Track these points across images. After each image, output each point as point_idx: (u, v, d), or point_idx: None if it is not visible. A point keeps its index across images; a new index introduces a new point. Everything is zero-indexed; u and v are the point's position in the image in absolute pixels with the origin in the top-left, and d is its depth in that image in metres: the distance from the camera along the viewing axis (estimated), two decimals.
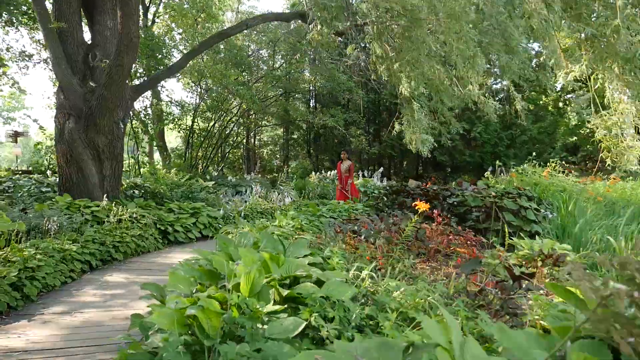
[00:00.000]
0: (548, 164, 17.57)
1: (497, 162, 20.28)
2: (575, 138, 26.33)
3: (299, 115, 15.55)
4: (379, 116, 21.81)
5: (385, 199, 9.52)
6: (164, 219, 7.35)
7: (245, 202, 10.73)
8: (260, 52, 17.55)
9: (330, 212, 8.13)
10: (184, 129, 15.76)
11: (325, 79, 15.72)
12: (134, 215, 6.70)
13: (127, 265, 5.56)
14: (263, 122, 21.10)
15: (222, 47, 14.77)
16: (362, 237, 4.80)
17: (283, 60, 17.15)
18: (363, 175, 15.68)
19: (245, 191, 12.31)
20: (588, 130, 25.09)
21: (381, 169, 15.61)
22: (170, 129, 16.03)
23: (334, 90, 17.01)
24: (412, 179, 20.31)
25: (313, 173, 17.01)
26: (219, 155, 17.68)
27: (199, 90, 14.19)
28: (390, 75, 8.66)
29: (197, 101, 15.08)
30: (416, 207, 4.66)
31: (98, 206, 6.86)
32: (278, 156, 25.56)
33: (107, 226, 6.16)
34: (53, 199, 7.15)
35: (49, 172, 11.24)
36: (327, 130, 19.25)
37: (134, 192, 9.21)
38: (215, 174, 14.25)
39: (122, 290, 4.37)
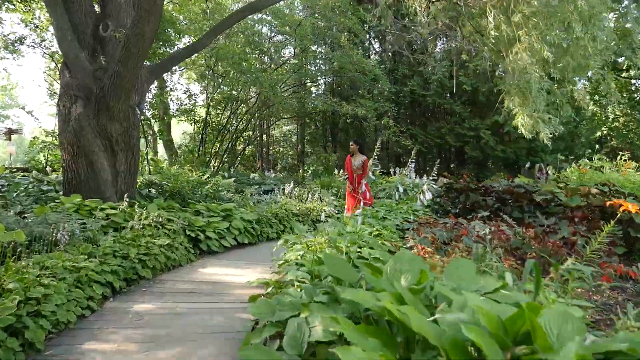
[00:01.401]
0: (592, 159, 16.22)
1: (537, 159, 19.11)
2: (599, 133, 24.86)
3: (322, 105, 14.29)
4: (405, 108, 20.59)
5: (447, 198, 8.28)
6: (193, 223, 6.12)
7: (276, 202, 9.52)
8: (279, 37, 16.32)
9: (389, 213, 6.90)
10: (196, 122, 14.53)
11: (352, 66, 14.48)
12: (159, 220, 5.47)
13: (158, 285, 4.33)
14: (280, 115, 19.84)
15: (235, 29, 13.55)
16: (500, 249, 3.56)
17: (302, 47, 15.92)
18: (394, 172, 14.44)
19: (272, 190, 11.08)
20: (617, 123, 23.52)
21: (413, 164, 14.36)
22: (182, 120, 14.80)
23: (358, 79, 15.75)
24: (441, 175, 19.08)
25: (336, 170, 15.79)
26: (235, 151, 16.45)
27: (213, 77, 12.94)
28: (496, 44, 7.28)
29: (211, 89, 13.85)
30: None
31: (114, 208, 5.63)
32: (291, 152, 24.33)
33: (128, 234, 4.94)
34: (57, 200, 5.92)
35: (48, 169, 10.02)
36: (350, 123, 17.99)
37: (149, 190, 8.00)
38: (233, 170, 13.03)
39: (165, 329, 3.14)
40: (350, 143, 8.53)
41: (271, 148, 21.71)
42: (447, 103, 18.97)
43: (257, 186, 11.01)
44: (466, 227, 4.86)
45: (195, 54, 12.13)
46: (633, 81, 26.75)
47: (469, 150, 18.79)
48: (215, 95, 13.39)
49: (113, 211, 5.60)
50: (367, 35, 18.76)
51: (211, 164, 14.34)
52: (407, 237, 4.85)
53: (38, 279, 3.16)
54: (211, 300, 3.86)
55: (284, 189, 11.81)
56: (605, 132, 26.06)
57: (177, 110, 14.21)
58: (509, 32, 6.16)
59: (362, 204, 7.69)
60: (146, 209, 5.91)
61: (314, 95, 17.43)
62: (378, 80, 16.19)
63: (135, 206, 5.94)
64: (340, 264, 2.52)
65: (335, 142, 21.55)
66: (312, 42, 14.14)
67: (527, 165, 18.66)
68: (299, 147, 22.47)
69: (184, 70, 16.32)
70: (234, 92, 13.57)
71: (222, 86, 13.03)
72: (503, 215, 5.32)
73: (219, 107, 14.28)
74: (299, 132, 22.57)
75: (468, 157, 19.64)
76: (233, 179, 10.16)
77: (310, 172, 20.34)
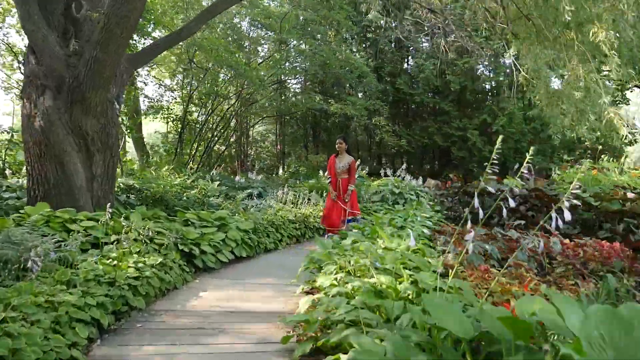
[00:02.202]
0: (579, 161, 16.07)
1: (522, 158, 18.91)
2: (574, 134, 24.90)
3: (310, 103, 13.57)
4: (389, 107, 20.13)
5: (459, 202, 7.73)
6: (186, 235, 5.31)
7: (271, 207, 8.76)
8: (259, 31, 15.50)
9: (405, 221, 6.27)
10: (173, 120, 13.56)
11: (338, 62, 13.82)
12: (148, 233, 4.65)
13: (155, 318, 3.55)
14: (262, 114, 19.01)
15: (217, 19, 12.69)
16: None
17: (284, 41, 15.17)
18: (386, 174, 13.88)
19: (260, 194, 10.30)
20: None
21: (404, 166, 13.83)
22: (156, 118, 13.81)
23: (344, 76, 15.10)
24: (429, 177, 18.70)
25: (321, 172, 15.12)
26: (214, 151, 15.53)
27: (190, 70, 12.01)
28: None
29: (190, 85, 12.91)
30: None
31: (93, 220, 4.78)
32: (269, 153, 23.49)
33: (113, 252, 4.12)
34: (21, 211, 5.00)
35: (8, 172, 8.90)
36: (335, 122, 17.35)
37: (128, 196, 7.10)
38: (215, 172, 12.16)
39: None
40: (338, 140, 7.12)
41: (250, 149, 20.82)
42: (434, 102, 18.62)
43: (247, 190, 10.20)
44: (516, 239, 4.27)
45: (172, 47, 11.24)
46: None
47: (455, 151, 18.49)
48: (194, 91, 12.45)
49: (91, 223, 4.75)
50: (354, 31, 18.16)
51: (189, 166, 13.40)
52: (446, 252, 4.22)
53: (3, 326, 2.34)
54: (228, 341, 3.10)
55: (273, 192, 11.09)
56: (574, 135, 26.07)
57: (151, 107, 13.20)
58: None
59: (346, 215, 6.98)
60: (130, 220, 5.09)
61: (295, 92, 16.66)
62: (365, 77, 15.62)
63: (112, 216, 5.08)
64: (447, 310, 1.83)
65: (317, 142, 20.88)
66: (297, 36, 13.40)
67: (516, 166, 18.55)
68: (279, 147, 21.67)
69: (154, 66, 15.29)
70: (215, 88, 12.69)
71: (203, 81, 12.12)
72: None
73: (199, 104, 13.35)
74: (278, 132, 21.76)
75: (454, 158, 19.36)
76: (217, 182, 9.30)
77: (289, 173, 19.63)
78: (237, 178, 11.06)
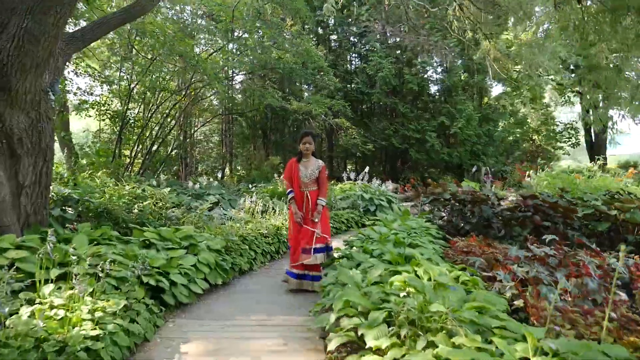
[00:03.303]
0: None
1: (479, 162, 19.08)
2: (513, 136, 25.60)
3: (269, 100, 12.53)
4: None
5: (452, 211, 7.13)
6: (150, 262, 4.21)
7: (233, 218, 7.73)
8: (204, 21, 14.22)
9: (409, 235, 5.53)
10: (110, 118, 12.00)
11: (295, 57, 12.92)
12: (106, 266, 3.54)
13: None
14: (211, 112, 17.68)
15: (162, 4, 11.35)
16: None
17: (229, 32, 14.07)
18: (349, 178, 13.20)
19: (218, 202, 9.19)
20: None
21: (367, 169, 13.23)
22: (88, 115, 12.19)
23: (299, 73, 14.20)
24: (389, 180, 18.26)
25: (275, 176, 14.17)
26: (160, 153, 14.04)
27: (131, 59, 10.60)
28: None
29: (131, 77, 11.45)
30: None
31: (24, 247, 3.60)
32: (214, 155, 22.10)
33: (56, 296, 3.02)
34: None
35: None
36: (295, 122, 16.39)
37: (64, 209, 5.78)
38: (164, 178, 10.81)
39: None
40: (305, 139, 4.98)
41: (195, 149, 19.36)
42: (392, 102, 18.24)
43: (207, 198, 9.05)
44: (579, 260, 3.63)
45: (123, 25, 9.84)
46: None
47: (413, 153, 18.23)
48: (136, 84, 11.01)
49: (22, 253, 3.56)
50: (309, 26, 17.36)
51: (130, 170, 11.93)
52: (499, 281, 3.50)
53: None
54: None
55: (234, 200, 10.00)
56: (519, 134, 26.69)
57: (84, 102, 11.58)
58: None
59: (314, 240, 4.80)
60: (71, 245, 3.94)
61: (252, 88, 15.51)
62: (323, 73, 14.86)
63: (54, 238, 3.89)
64: None
65: (267, 143, 19.84)
66: (250, 26, 12.35)
67: (475, 168, 18.67)
68: (226, 148, 20.36)
69: (82, 57, 13.51)
70: (160, 81, 11.32)
71: (146, 73, 10.73)
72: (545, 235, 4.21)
73: (140, 100, 11.90)
74: (225, 132, 20.43)
75: (412, 160, 19.11)
76: (168, 189, 8.10)
77: (238, 176, 18.45)
78: (190, 184, 9.84)
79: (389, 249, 4.44)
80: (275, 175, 14.16)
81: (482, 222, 6.63)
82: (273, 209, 8.98)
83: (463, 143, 18.32)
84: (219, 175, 19.81)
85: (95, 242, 4.40)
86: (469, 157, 18.73)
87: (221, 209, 8.60)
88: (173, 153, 14.53)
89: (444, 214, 7.21)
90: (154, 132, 12.91)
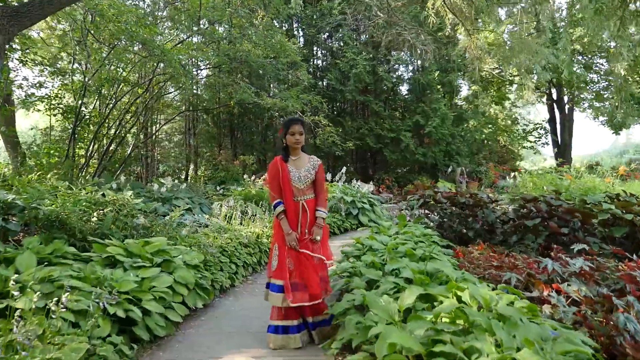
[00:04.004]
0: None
1: (454, 162, 18.87)
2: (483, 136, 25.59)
3: (241, 95, 11.65)
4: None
5: (451, 216, 6.61)
6: (117, 287, 3.44)
7: (205, 225, 6.96)
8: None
9: (417, 245, 4.95)
10: (62, 113, 10.86)
11: (268, 50, 12.16)
12: (63, 298, 2.75)
13: None
14: (176, 108, 16.61)
15: None
16: None
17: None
18: (325, 179, 12.56)
19: (190, 209, 8.36)
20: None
21: (344, 169, 12.65)
22: (37, 110, 11.04)
23: (270, 67, 13.40)
24: (362, 181, 17.76)
25: (246, 176, 13.38)
26: (119, 153, 12.93)
27: (84, 47, 9.55)
28: None
29: (85, 66, 10.37)
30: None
31: None
32: (174, 154, 20.97)
33: None
34: None
35: None
36: (268, 120, 15.55)
37: (6, 219, 4.87)
38: (124, 179, 9.79)
39: None
40: (294, 127, 3.58)
41: (157, 149, 18.22)
42: (366, 101, 17.75)
43: (175, 202, 8.21)
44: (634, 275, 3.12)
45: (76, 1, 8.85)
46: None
47: (388, 153, 17.81)
48: (92, 76, 9.95)
49: None
50: (280, 19, 16.61)
51: (85, 171, 10.85)
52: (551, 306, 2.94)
53: None
54: None
55: (201, 204, 9.18)
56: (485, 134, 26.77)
57: (31, 95, 10.41)
58: None
59: (326, 269, 3.63)
60: (15, 265, 3.15)
61: (222, 81, 14.62)
62: (296, 68, 14.16)
63: None
64: None
65: (235, 142, 18.91)
66: (220, 16, 11.51)
67: (450, 169, 18.46)
68: (190, 148, 19.28)
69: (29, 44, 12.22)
70: (120, 73, 10.29)
71: (105, 63, 9.69)
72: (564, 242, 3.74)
73: (97, 94, 10.80)
74: (188, 130, 19.34)
75: (386, 161, 18.70)
76: (131, 192, 7.20)
77: (205, 177, 17.47)
78: (155, 186, 8.92)
79: (406, 264, 3.84)
80: (245, 176, 13.37)
81: (485, 227, 6.15)
82: (253, 214, 8.25)
83: (438, 143, 18.07)
84: (183, 176, 18.75)
85: (45, 262, 3.57)
86: (443, 157, 18.51)
87: (192, 214, 7.78)
88: (133, 153, 13.43)
89: (442, 219, 6.67)
90: (112, 129, 11.83)
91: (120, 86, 11.21)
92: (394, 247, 4.66)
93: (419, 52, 14.78)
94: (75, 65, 11.08)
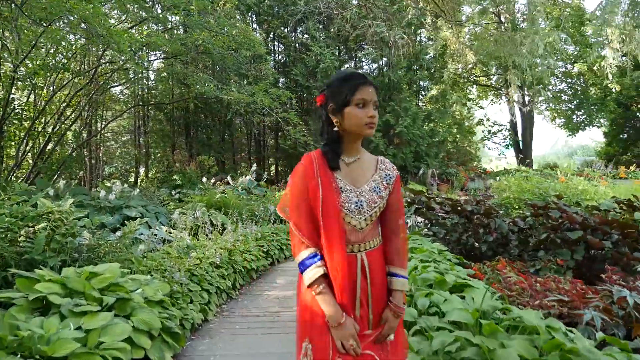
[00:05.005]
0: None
1: (423, 164, 18.36)
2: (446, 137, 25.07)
3: (202, 88, 10.42)
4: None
5: (459, 227, 5.82)
6: (48, 352, 2.35)
7: (166, 241, 5.87)
8: None
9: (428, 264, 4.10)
10: None
11: (228, 40, 11.02)
12: None
13: None
14: (125, 103, 15.07)
15: None
16: None
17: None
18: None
19: (142, 216, 7.15)
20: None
21: None
22: None
23: (230, 59, 12.22)
24: None
25: (205, 179, 12.19)
26: (60, 153, 11.37)
27: (15, 30, 8.08)
28: None
29: (17, 50, 8.87)
30: None
31: None
32: (119, 154, 19.33)
33: None
34: None
35: None
36: (229, 116, 14.27)
37: None
38: (63, 183, 8.39)
39: None
40: (364, 89, 1.68)
41: (102, 148, 16.57)
42: None
43: (127, 211, 6.98)
44: None
45: None
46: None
47: None
48: (20, 62, 8.47)
49: None
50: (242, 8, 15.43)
51: (13, 174, 9.34)
52: None
53: None
54: None
55: (157, 214, 7.98)
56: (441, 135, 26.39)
57: None
58: None
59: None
60: None
61: (178, 73, 13.30)
62: (260, 61, 13.09)
63: None
64: None
65: (191, 142, 17.53)
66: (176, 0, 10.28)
67: (421, 171, 17.94)
68: (140, 148, 17.73)
69: None
70: (61, 59, 8.88)
71: (38, 47, 8.24)
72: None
73: (30, 84, 9.29)
74: (138, 129, 17.78)
75: None
76: (71, 200, 5.95)
77: (157, 181, 16.05)
78: (102, 193, 7.63)
79: (446, 298, 2.97)
80: (204, 179, 12.16)
81: (498, 240, 5.42)
82: (217, 224, 7.17)
83: (409, 143, 17.50)
84: (132, 179, 17.19)
85: None
86: (412, 159, 17.96)
87: (148, 227, 6.61)
88: (75, 153, 11.89)
89: (445, 231, 5.88)
90: (49, 126, 10.33)
91: (59, 75, 9.76)
92: (414, 269, 3.79)
93: (391, 47, 14.12)
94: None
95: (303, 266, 1.67)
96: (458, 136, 25.48)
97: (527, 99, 26.12)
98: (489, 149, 29.41)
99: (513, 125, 27.20)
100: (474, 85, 28.62)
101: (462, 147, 25.61)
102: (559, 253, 4.52)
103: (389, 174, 1.82)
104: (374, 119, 1.68)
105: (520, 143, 26.77)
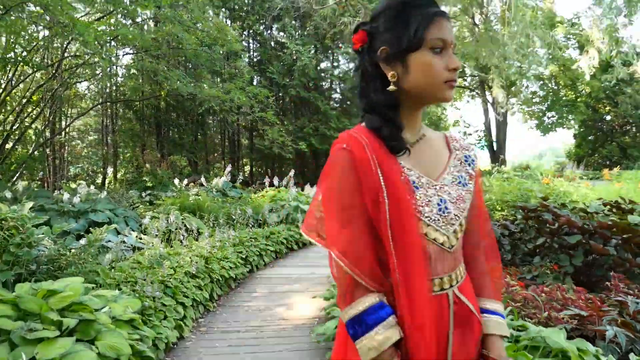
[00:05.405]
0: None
1: None
2: None
3: (175, 84, 9.91)
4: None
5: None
6: None
7: (138, 249, 5.45)
8: None
9: None
10: None
11: (206, 36, 10.56)
12: None
13: None
14: (92, 100, 14.37)
15: None
16: None
17: None
18: (272, 184, 11.21)
19: (110, 221, 6.68)
20: None
21: (292, 172, 11.43)
22: None
23: (202, 57, 11.73)
24: (303, 186, 16.57)
25: (177, 180, 11.68)
26: (20, 152, 10.67)
27: None
28: None
29: None
30: None
31: None
32: (87, 156, 18.53)
33: None
34: None
35: None
36: (201, 115, 13.78)
37: None
38: (23, 185, 7.78)
39: None
40: (441, 26, 1.04)
41: (67, 148, 15.79)
42: (312, 97, 16.55)
43: (92, 216, 6.49)
44: None
45: None
46: None
47: (324, 157, 16.69)
48: None
49: None
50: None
51: None
52: None
53: None
54: None
55: (127, 218, 7.49)
56: None
57: None
58: None
59: None
60: None
61: (131, 69, 12.71)
62: (238, 59, 12.66)
63: None
64: None
65: (162, 142, 16.90)
66: None
67: None
68: (107, 147, 16.99)
69: None
70: (21, 51, 8.25)
71: None
72: None
73: None
74: (105, 127, 17.02)
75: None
76: (30, 204, 5.45)
77: (126, 182, 15.38)
78: (65, 195, 7.09)
79: None
80: (176, 180, 11.65)
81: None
82: (198, 230, 6.77)
83: None
84: (100, 180, 16.46)
85: None
86: None
87: (117, 233, 6.14)
88: (37, 152, 11.19)
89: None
90: (7, 123, 9.65)
91: (18, 68, 9.11)
92: None
93: None
94: None
95: (361, 325, 0.98)
96: None
97: (501, 100, 26.46)
98: None
99: (487, 126, 27.49)
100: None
101: None
102: (557, 258, 4.31)
103: (468, 155, 1.21)
104: (456, 73, 1.05)
105: (494, 144, 27.06)
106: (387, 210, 1.01)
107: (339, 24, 13.83)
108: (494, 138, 27.10)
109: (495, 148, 26.98)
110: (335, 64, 18.65)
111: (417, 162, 1.11)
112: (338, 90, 18.13)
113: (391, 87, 1.06)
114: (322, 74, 17.12)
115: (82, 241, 4.69)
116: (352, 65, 19.18)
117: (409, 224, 1.01)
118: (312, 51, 16.51)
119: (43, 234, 4.37)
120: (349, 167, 1.04)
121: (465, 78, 28.22)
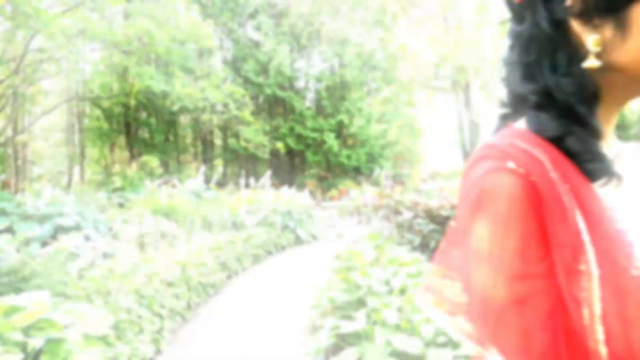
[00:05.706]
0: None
1: (376, 165, 18.19)
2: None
3: (146, 82, 9.54)
4: None
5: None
6: None
7: (110, 255, 5.14)
8: None
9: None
10: None
11: (177, 32, 10.21)
12: None
13: None
14: (58, 97, 13.75)
15: None
16: None
17: None
18: (247, 185, 10.97)
19: (78, 226, 6.30)
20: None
21: (269, 172, 11.21)
22: None
23: (175, 53, 11.36)
24: (280, 185, 16.33)
25: (148, 182, 11.31)
26: None
27: None
28: None
29: None
30: None
31: None
32: (52, 156, 17.86)
33: None
34: None
35: None
36: (172, 115, 13.37)
37: None
38: None
39: None
40: None
41: (30, 148, 15.12)
42: (287, 97, 16.32)
43: (60, 221, 6.09)
44: None
45: None
46: None
47: (310, 156, 16.57)
48: None
49: None
50: None
51: None
52: None
53: None
54: None
55: (96, 221, 7.10)
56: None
57: None
58: None
59: None
60: None
61: (100, 65, 12.21)
62: (210, 56, 12.34)
63: None
64: None
65: (131, 141, 16.37)
66: None
67: (375, 172, 17.72)
68: (74, 147, 16.34)
69: None
70: None
71: None
72: None
73: None
74: (72, 126, 16.37)
75: (306, 163, 17.46)
76: None
77: (95, 184, 14.83)
78: (29, 198, 6.69)
79: None
80: (148, 181, 11.25)
81: None
82: (173, 235, 6.46)
83: (363, 144, 17.30)
84: (65, 181, 15.81)
85: None
86: (366, 160, 17.78)
87: (86, 238, 5.79)
88: None
89: (422, 238, 5.53)
90: None
91: None
92: (404, 288, 3.36)
93: (348, 45, 13.81)
94: None
95: None
96: (409, 137, 25.72)
97: (473, 100, 26.76)
98: (436, 150, 29.96)
99: (460, 127, 27.80)
100: (424, 87, 29.06)
101: (412, 148, 25.90)
102: None
103: None
104: None
105: (467, 144, 27.39)
106: (598, 285, 0.48)
107: (320, 22, 13.66)
108: (466, 139, 27.41)
109: (468, 149, 27.30)
110: (310, 62, 18.48)
111: (621, 195, 0.58)
112: (313, 89, 17.94)
113: (590, 63, 0.55)
114: (299, 73, 16.92)
115: (49, 248, 4.39)
116: (326, 65, 19.04)
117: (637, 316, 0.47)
118: (289, 49, 16.29)
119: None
120: (527, 205, 0.51)
121: (440, 79, 28.48)
